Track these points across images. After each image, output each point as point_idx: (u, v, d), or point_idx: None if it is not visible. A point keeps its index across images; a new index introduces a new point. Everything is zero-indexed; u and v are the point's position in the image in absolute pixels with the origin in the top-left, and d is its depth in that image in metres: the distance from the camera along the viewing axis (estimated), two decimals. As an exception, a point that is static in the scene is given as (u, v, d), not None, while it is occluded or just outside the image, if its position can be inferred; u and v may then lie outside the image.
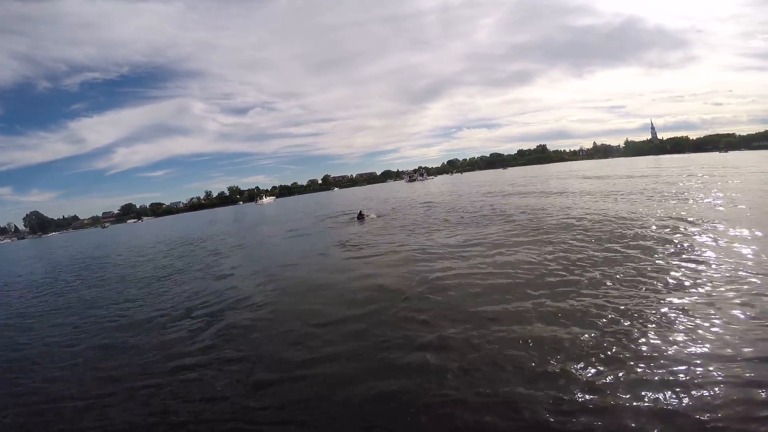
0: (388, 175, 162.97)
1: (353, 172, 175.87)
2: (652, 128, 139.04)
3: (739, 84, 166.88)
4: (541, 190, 21.94)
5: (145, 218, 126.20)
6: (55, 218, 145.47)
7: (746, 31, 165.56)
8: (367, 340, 4.80)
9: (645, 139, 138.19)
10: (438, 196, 28.61)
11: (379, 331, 5.01)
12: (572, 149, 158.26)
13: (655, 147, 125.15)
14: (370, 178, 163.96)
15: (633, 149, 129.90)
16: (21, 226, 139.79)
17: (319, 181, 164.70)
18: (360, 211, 17.29)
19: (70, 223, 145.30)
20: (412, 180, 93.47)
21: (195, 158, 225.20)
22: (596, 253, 7.26)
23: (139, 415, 3.85)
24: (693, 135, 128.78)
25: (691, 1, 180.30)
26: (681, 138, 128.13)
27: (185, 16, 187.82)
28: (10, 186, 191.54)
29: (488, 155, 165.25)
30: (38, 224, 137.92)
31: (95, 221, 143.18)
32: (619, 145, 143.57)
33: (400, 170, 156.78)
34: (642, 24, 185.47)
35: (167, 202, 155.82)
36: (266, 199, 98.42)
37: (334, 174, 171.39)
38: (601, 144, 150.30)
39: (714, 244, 7.22)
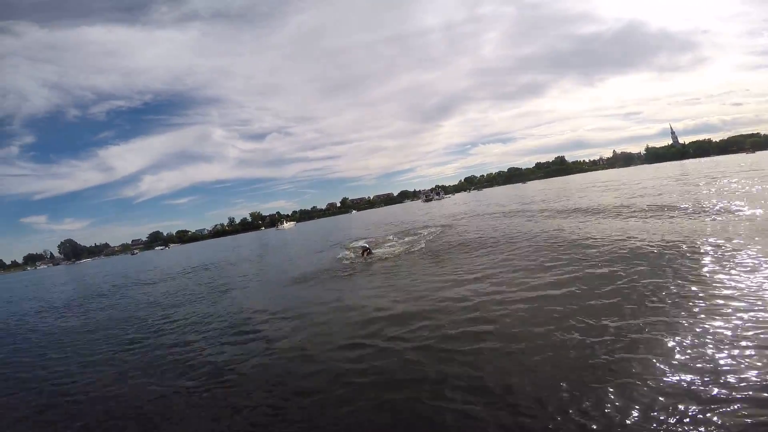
0: (405, 195, 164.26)
1: (371, 194, 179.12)
2: (672, 133, 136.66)
3: (755, 83, 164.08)
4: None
5: (171, 245, 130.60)
6: (88, 245, 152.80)
7: (751, 29, 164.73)
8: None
9: (666, 144, 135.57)
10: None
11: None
12: (592, 159, 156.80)
13: (677, 152, 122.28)
14: (387, 200, 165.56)
15: (655, 155, 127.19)
16: (56, 253, 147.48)
17: (338, 204, 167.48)
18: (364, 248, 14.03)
19: (101, 250, 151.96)
20: (428, 200, 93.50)
21: (217, 185, 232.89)
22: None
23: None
24: (716, 137, 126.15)
25: (690, 3, 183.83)
26: (704, 141, 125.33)
27: (200, 43, 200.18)
28: (45, 214, 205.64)
29: (506, 170, 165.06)
30: (72, 251, 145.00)
31: (125, 248, 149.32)
32: (640, 152, 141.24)
33: (417, 190, 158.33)
34: (645, 28, 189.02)
35: (192, 229, 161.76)
36: (287, 224, 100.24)
37: (351, 196, 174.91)
38: (621, 152, 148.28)
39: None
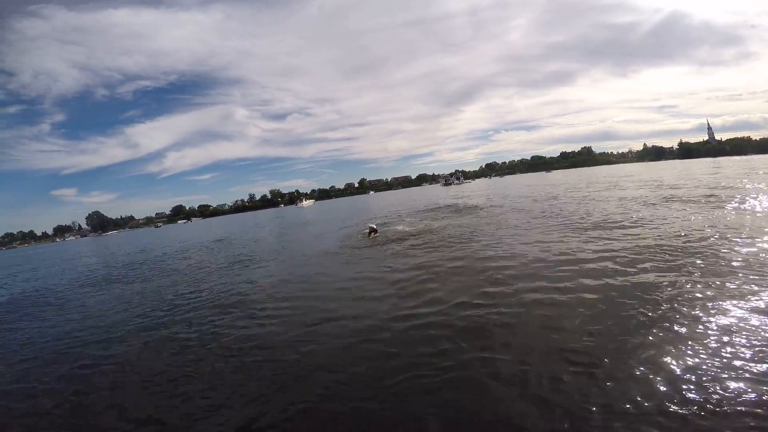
0: (423, 179, 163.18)
1: (388, 176, 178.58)
2: (709, 128, 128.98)
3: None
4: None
5: (194, 219, 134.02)
6: (114, 218, 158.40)
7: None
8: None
9: (702, 140, 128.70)
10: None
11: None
12: (620, 151, 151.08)
13: (713, 148, 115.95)
14: (405, 182, 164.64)
15: (688, 151, 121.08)
16: (83, 225, 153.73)
17: (356, 185, 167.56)
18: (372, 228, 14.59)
19: (127, 222, 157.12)
20: (447, 183, 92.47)
21: (239, 162, 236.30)
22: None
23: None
24: (756, 135, 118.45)
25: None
26: (742, 138, 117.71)
27: (224, 25, 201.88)
28: (75, 188, 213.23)
29: (529, 158, 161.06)
30: (99, 223, 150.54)
31: (149, 221, 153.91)
32: (672, 147, 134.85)
33: (436, 174, 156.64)
34: (687, 20, 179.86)
35: (214, 204, 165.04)
36: (306, 202, 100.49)
37: (370, 178, 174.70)
38: (652, 146, 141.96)
39: None
